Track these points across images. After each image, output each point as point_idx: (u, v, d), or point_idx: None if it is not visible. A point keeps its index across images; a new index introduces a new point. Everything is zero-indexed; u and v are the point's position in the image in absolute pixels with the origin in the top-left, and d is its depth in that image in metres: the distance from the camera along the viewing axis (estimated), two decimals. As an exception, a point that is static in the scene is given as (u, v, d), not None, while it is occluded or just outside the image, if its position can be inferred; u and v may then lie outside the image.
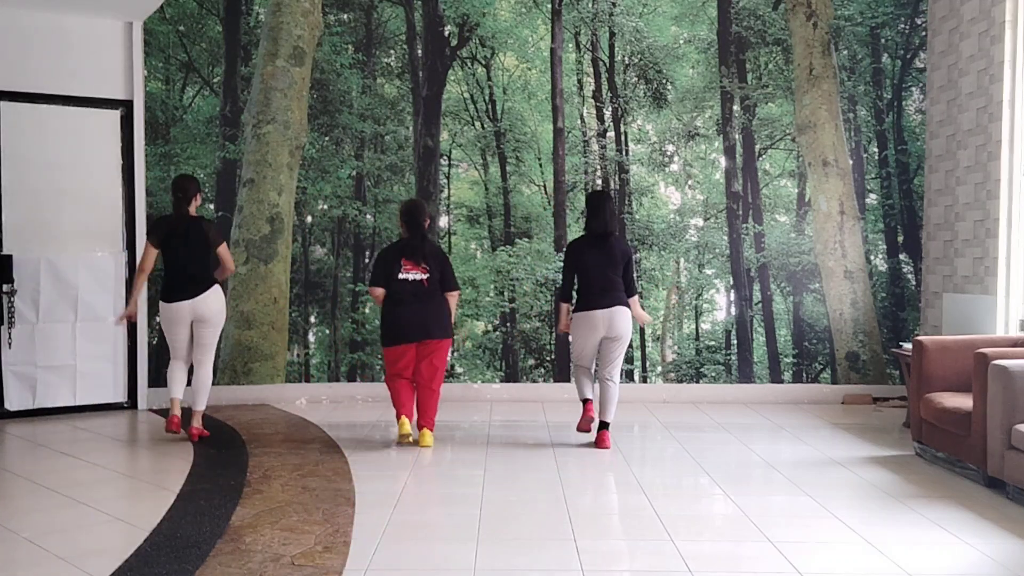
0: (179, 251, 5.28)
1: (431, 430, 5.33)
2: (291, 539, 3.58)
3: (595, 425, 5.39)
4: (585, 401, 5.41)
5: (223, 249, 5.42)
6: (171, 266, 5.31)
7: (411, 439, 5.33)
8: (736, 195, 7.03)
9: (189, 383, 5.50)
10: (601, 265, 5.25)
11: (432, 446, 5.26)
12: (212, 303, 5.32)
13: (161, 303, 5.34)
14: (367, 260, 6.93)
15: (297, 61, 6.80)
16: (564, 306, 5.46)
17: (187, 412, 5.57)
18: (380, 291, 5.29)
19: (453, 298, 5.37)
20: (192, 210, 5.36)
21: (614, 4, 6.96)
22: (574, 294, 5.41)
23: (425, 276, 5.22)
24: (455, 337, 6.74)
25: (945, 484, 4.53)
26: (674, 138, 7.07)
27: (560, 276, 6.29)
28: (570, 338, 5.58)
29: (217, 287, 5.36)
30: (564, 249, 5.66)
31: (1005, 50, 5.70)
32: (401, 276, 5.22)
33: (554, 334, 6.97)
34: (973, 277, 6.09)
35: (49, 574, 3.23)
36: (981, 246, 5.98)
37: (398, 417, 5.33)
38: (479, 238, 6.97)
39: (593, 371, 5.45)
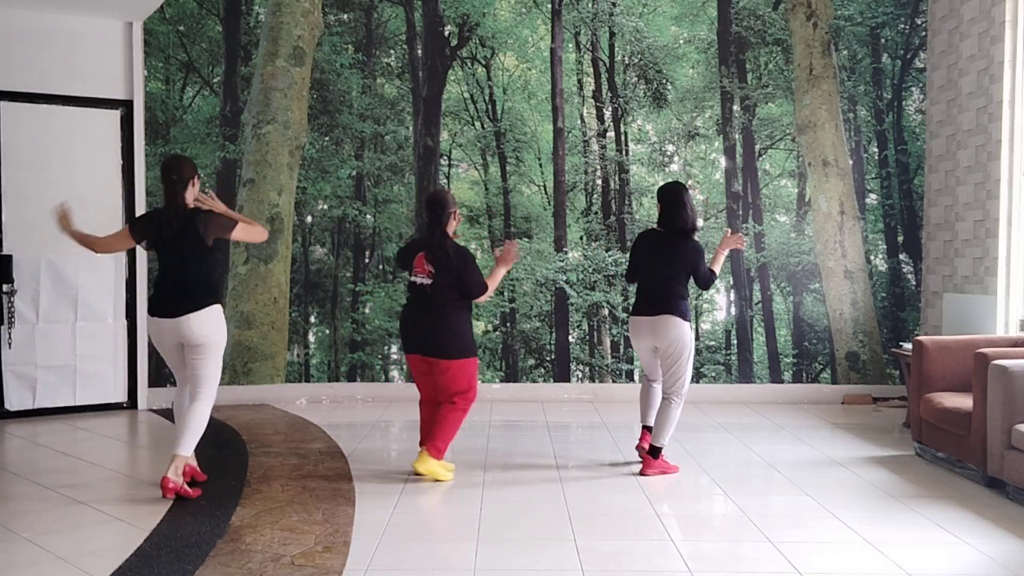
0: (170, 255, 4.18)
1: (433, 455, 4.44)
2: (291, 539, 3.58)
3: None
4: (644, 428, 4.90)
5: (239, 233, 4.28)
6: (161, 272, 4.24)
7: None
8: (736, 195, 7.03)
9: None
10: (660, 268, 4.68)
11: (426, 475, 4.46)
12: (203, 324, 4.15)
13: (148, 317, 4.28)
14: (367, 260, 6.94)
15: (297, 61, 6.80)
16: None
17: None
18: None
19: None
20: (189, 200, 4.19)
21: (614, 4, 6.95)
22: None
23: (428, 281, 4.44)
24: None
25: (945, 484, 4.53)
26: (674, 138, 7.07)
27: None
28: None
29: (215, 307, 4.20)
30: (633, 239, 5.02)
31: (1005, 50, 5.70)
32: (412, 278, 4.52)
33: (554, 334, 6.97)
34: (973, 277, 6.09)
35: (49, 574, 3.23)
36: (981, 246, 5.98)
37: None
38: (479, 238, 6.97)
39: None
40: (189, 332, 4.12)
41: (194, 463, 4.42)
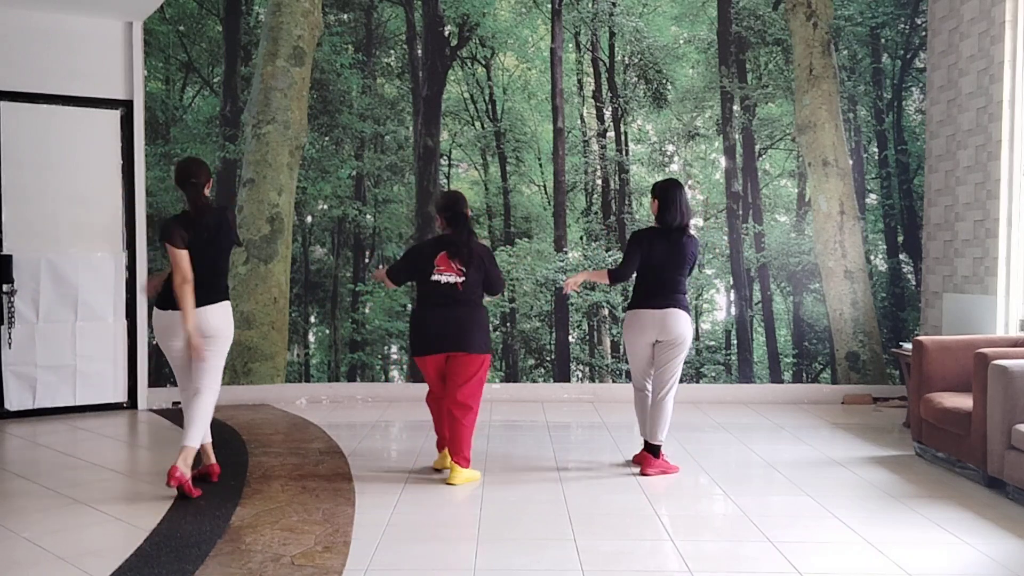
0: (204, 253, 4.20)
1: (461, 464, 4.48)
2: (291, 539, 3.58)
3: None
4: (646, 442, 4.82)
5: None
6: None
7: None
8: (736, 195, 7.03)
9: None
10: (665, 264, 4.68)
11: (461, 484, 4.45)
12: (217, 316, 4.24)
13: (155, 310, 4.30)
14: (367, 260, 6.93)
15: (297, 61, 6.80)
16: (604, 272, 4.88)
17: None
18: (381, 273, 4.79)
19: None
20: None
21: (614, 4, 6.95)
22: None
23: (460, 279, 4.50)
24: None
25: (945, 484, 4.53)
26: (674, 138, 7.06)
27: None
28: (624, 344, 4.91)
29: (227, 302, 4.33)
30: (629, 236, 4.99)
31: (1005, 50, 5.70)
32: (434, 277, 4.51)
33: (554, 334, 6.97)
34: (973, 277, 6.09)
35: (49, 574, 3.23)
36: (981, 246, 5.98)
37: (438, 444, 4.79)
38: (479, 238, 6.96)
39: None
40: (205, 324, 4.17)
41: (212, 460, 4.50)
